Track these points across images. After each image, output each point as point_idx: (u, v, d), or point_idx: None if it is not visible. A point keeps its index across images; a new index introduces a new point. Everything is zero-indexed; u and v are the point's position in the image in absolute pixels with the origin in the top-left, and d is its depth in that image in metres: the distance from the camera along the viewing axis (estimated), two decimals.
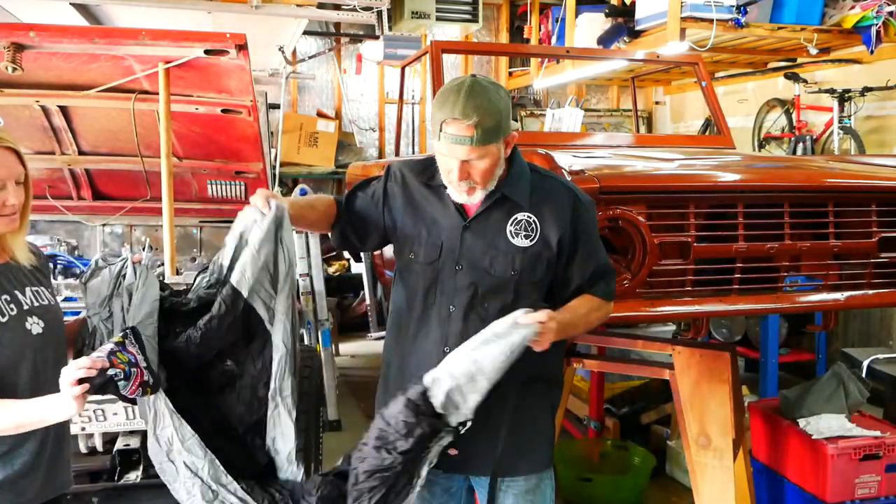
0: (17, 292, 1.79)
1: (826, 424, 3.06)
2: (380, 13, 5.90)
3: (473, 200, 1.92)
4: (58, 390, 1.81)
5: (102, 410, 2.78)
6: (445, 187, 1.96)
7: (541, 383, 2.03)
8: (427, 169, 2.01)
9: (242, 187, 3.93)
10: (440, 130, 1.82)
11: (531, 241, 1.91)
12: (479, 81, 1.84)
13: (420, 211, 2.00)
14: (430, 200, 1.99)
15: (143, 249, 3.97)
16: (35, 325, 1.79)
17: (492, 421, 1.88)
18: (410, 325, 2.01)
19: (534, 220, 1.92)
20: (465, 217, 1.95)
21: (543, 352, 1.81)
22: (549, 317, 1.78)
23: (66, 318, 2.00)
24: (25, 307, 1.79)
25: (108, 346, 1.68)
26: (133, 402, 1.84)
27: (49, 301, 1.88)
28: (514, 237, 1.91)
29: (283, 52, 5.84)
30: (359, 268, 7.08)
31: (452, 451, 1.87)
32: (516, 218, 1.92)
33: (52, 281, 2.96)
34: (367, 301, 7.14)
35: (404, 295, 2.04)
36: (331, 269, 7.30)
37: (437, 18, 6.37)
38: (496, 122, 1.81)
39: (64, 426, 1.90)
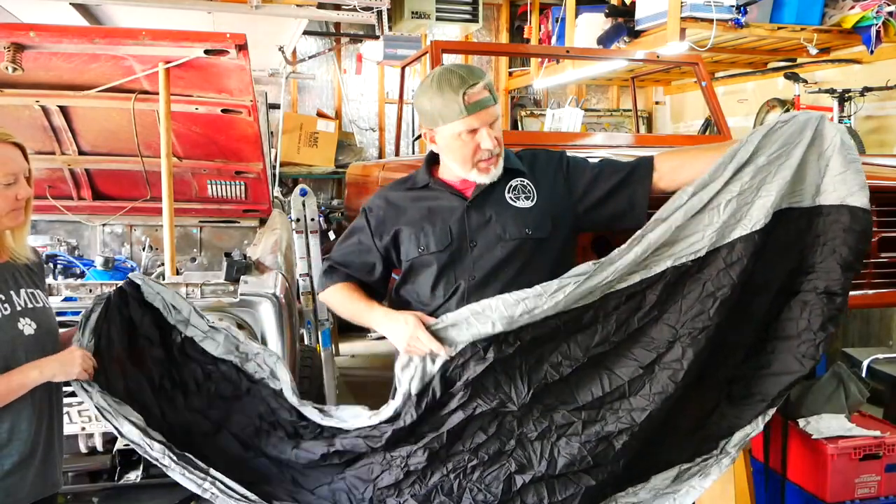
0: (11, 293, 1.81)
1: (826, 424, 3.06)
2: (380, 13, 5.90)
3: (496, 174, 1.98)
4: (48, 394, 1.83)
5: None
6: (430, 186, 2.04)
7: None
8: (406, 181, 2.11)
9: (242, 187, 3.93)
10: (464, 104, 1.88)
11: (531, 201, 1.99)
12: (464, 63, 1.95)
13: (417, 212, 2.03)
14: (423, 200, 2.05)
15: (143, 249, 3.97)
16: (27, 326, 1.80)
17: None
18: (429, 314, 2.01)
19: (528, 183, 2.01)
20: (464, 199, 2.01)
21: None
22: None
23: (63, 318, 2.00)
24: (18, 308, 1.81)
25: None
26: None
27: (43, 304, 1.89)
28: (514, 201, 1.99)
29: (283, 52, 5.84)
30: None
31: None
32: (511, 185, 2.01)
33: (53, 281, 2.97)
34: None
35: (417, 289, 2.04)
36: None
37: (437, 18, 6.36)
38: (491, 82, 1.96)
39: (55, 427, 1.91)
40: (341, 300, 2.09)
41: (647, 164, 2.04)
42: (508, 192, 2.00)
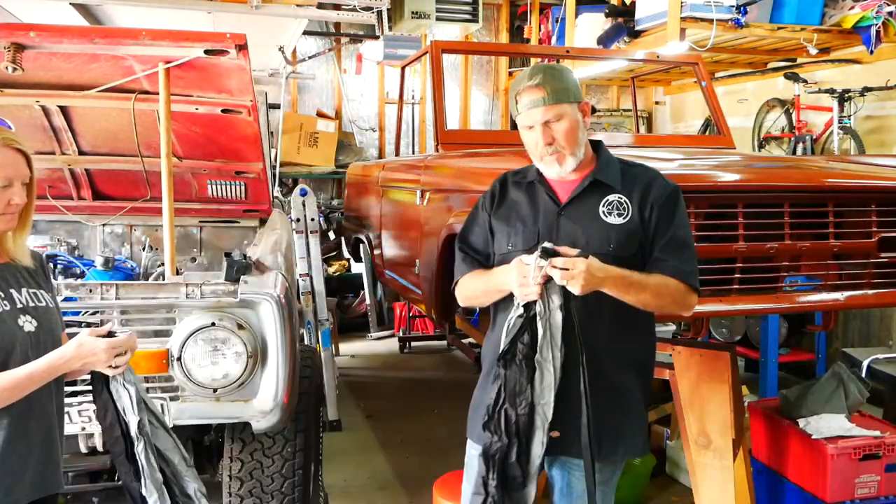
0: (12, 291, 1.82)
1: (826, 424, 3.06)
2: (380, 13, 5.90)
3: (567, 170, 2.02)
4: (49, 392, 1.82)
5: None
6: (534, 183, 2.09)
7: (636, 368, 2.09)
8: (521, 171, 2.16)
9: (242, 187, 3.92)
10: (516, 103, 2.00)
11: (623, 218, 1.99)
12: (546, 63, 2.06)
13: (516, 208, 2.10)
14: (524, 197, 2.10)
15: (143, 249, 3.97)
16: (27, 323, 1.81)
17: (591, 402, 1.89)
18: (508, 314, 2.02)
19: (625, 200, 2.01)
20: (558, 204, 2.04)
21: (640, 335, 2.06)
22: (582, 260, 1.82)
23: (66, 318, 2.00)
24: (19, 305, 1.81)
25: None
26: None
27: (47, 304, 1.89)
28: (606, 216, 2.00)
29: (283, 52, 5.85)
30: (359, 268, 7.08)
31: (555, 434, 1.92)
32: (608, 199, 2.01)
33: (53, 281, 2.97)
34: (367, 301, 7.14)
35: None
36: (331, 269, 7.29)
37: (437, 18, 6.38)
38: (563, 84, 1.99)
39: (54, 427, 1.90)
40: (472, 284, 2.13)
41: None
42: (603, 206, 2.00)
